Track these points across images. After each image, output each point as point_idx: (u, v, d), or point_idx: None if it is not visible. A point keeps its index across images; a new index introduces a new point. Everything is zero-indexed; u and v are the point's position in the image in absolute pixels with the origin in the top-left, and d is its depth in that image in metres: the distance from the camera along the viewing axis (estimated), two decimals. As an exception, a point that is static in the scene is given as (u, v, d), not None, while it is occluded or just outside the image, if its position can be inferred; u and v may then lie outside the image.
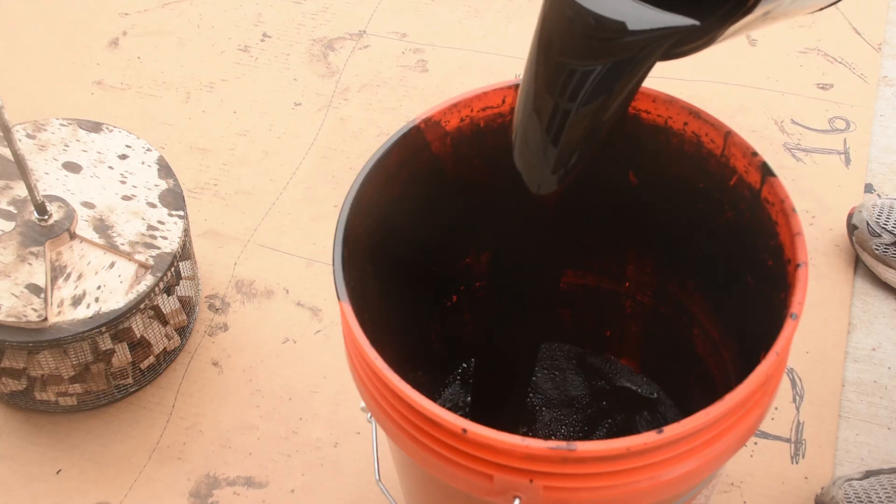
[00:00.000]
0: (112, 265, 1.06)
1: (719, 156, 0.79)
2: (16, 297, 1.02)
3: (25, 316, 1.01)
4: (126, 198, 1.11)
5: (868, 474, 1.00)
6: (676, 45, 0.61)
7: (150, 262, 1.07)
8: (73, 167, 1.13)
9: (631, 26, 0.58)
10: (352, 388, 1.12)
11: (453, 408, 1.01)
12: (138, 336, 1.09)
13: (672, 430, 0.61)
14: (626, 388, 1.02)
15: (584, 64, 0.61)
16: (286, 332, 1.20)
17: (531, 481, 0.63)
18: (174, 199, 1.12)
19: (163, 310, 1.11)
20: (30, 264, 1.04)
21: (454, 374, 1.03)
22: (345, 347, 0.76)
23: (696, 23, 0.59)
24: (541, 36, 0.64)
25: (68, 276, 1.05)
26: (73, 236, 1.06)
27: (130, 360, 1.10)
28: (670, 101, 0.79)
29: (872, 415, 1.10)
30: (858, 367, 1.14)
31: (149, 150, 1.16)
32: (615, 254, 0.95)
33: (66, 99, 1.47)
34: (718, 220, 0.81)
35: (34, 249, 1.04)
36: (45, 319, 1.01)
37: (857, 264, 1.23)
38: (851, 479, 1.00)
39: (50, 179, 1.11)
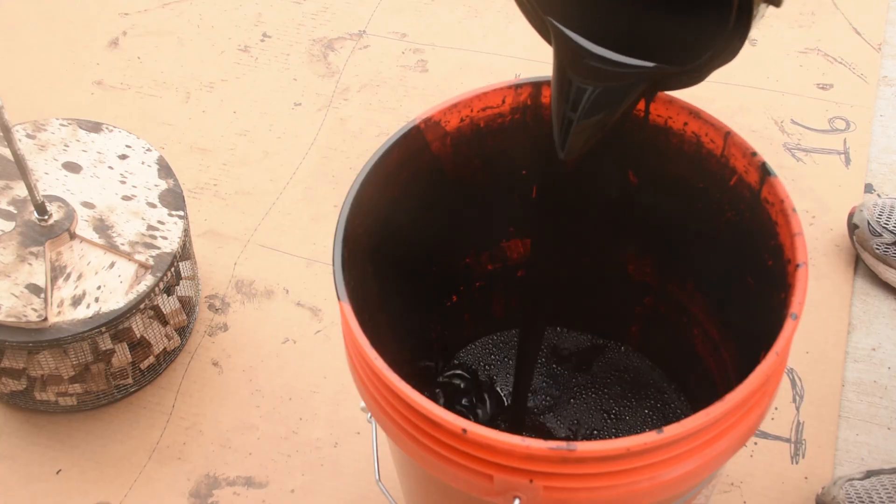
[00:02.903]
0: (112, 265, 1.06)
1: (719, 156, 0.79)
2: (16, 297, 1.02)
3: (25, 316, 1.01)
4: (126, 198, 1.11)
5: (869, 474, 1.00)
6: (665, 80, 0.72)
7: (150, 262, 1.07)
8: (73, 167, 1.13)
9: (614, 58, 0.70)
10: (352, 388, 1.12)
11: (446, 395, 1.01)
12: (138, 336, 1.09)
13: (672, 430, 0.61)
14: (625, 388, 1.02)
15: (584, 82, 0.73)
16: (286, 332, 1.20)
17: (531, 481, 0.63)
18: (174, 199, 1.12)
19: (163, 310, 1.11)
20: (30, 264, 1.04)
21: (452, 368, 1.03)
22: (345, 347, 0.76)
23: (667, 67, 0.70)
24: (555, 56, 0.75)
25: (68, 276, 1.05)
26: (73, 236, 1.06)
27: (130, 360, 1.10)
28: (670, 101, 0.79)
29: (872, 415, 1.10)
30: (858, 367, 1.14)
31: (149, 150, 1.16)
32: (615, 254, 0.95)
33: (66, 99, 1.47)
34: (718, 221, 0.81)
35: (34, 249, 1.04)
36: (45, 319, 1.01)
37: (858, 264, 1.23)
38: (853, 479, 1.00)
39: (50, 179, 1.11)
